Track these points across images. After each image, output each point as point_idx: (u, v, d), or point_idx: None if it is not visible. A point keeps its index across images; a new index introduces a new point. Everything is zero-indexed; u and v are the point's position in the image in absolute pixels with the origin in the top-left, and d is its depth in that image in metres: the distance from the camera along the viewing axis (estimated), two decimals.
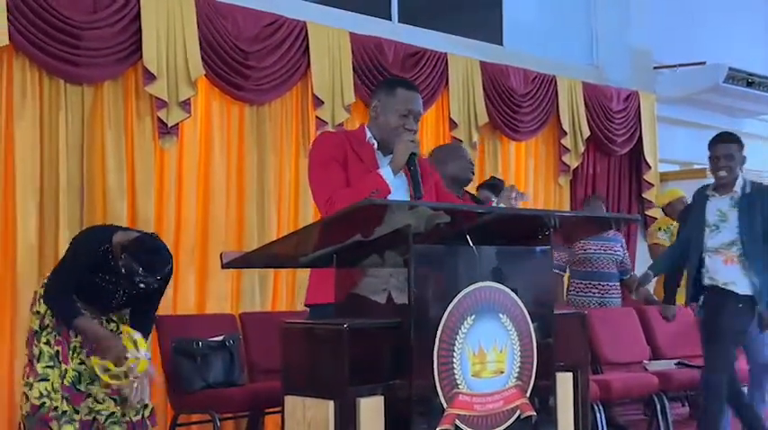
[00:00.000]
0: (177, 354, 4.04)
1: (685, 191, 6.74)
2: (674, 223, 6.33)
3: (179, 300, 4.55)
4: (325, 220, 2.28)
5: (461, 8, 6.80)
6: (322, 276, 2.81)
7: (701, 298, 4.37)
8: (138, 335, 3.35)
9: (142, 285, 3.24)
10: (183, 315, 4.49)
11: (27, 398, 3.33)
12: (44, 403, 3.29)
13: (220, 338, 4.17)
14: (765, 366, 4.64)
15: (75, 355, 3.40)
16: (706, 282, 4.30)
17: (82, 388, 3.37)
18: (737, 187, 4.30)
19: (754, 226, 4.22)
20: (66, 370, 3.36)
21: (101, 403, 3.40)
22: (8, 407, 3.96)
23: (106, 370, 3.31)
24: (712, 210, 4.33)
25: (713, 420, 4.21)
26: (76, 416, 3.33)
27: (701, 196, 4.47)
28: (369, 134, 2.93)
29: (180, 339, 4.07)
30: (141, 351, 3.32)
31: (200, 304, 4.65)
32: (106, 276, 3.33)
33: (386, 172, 2.78)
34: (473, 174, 4.10)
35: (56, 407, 3.29)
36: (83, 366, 3.39)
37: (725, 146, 4.36)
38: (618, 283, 5.67)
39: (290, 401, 2.16)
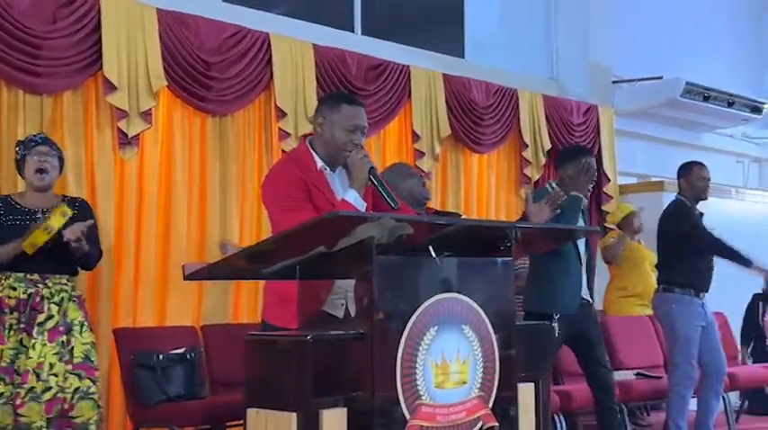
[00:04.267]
0: (137, 367, 4.00)
1: (643, 203, 6.86)
2: (627, 236, 6.44)
3: (139, 312, 4.50)
4: (288, 232, 2.28)
5: (424, 22, 6.85)
6: (281, 298, 2.79)
7: None
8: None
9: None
10: (144, 327, 4.44)
11: None
12: None
13: (181, 351, 4.13)
14: (719, 369, 4.82)
15: (11, 334, 3.42)
16: None
17: (17, 365, 3.39)
18: None
19: None
20: (1, 350, 3.39)
21: (63, 381, 3.43)
22: None
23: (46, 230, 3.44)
24: None
25: None
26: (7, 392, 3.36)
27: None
28: (317, 159, 2.86)
29: (140, 352, 4.03)
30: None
31: (160, 316, 4.60)
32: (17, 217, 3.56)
33: (351, 195, 2.75)
34: (428, 191, 4.01)
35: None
36: (19, 344, 3.42)
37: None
38: None
39: (253, 414, 2.16)
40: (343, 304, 2.72)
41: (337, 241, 2.22)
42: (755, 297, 6.42)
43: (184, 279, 2.74)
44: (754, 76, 9.18)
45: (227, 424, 4.13)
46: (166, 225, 4.68)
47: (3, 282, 3.53)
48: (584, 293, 4.30)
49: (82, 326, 3.58)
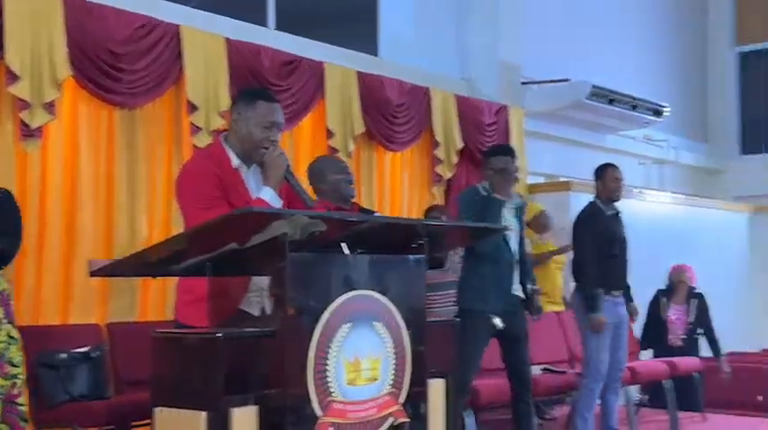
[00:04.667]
0: (40, 366, 3.88)
1: (551, 203, 7.04)
2: (536, 235, 6.61)
3: (42, 309, 4.35)
4: (199, 228, 2.24)
5: (338, 19, 6.85)
6: (196, 296, 2.75)
7: None
8: None
9: None
10: (47, 325, 4.30)
11: None
12: None
13: (86, 349, 4.04)
14: (617, 366, 5.01)
15: None
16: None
17: None
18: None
19: None
20: None
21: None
22: None
23: None
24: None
25: None
26: None
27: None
28: (232, 156, 2.81)
29: (43, 351, 3.91)
30: None
31: (64, 314, 4.47)
32: None
33: (267, 193, 2.71)
34: (353, 189, 3.99)
35: None
36: None
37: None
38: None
39: (160, 413, 2.11)
40: (259, 302, 2.70)
41: (250, 238, 2.20)
42: (659, 292, 6.66)
43: (90, 275, 2.67)
44: (656, 80, 9.53)
45: (133, 424, 4.04)
46: (71, 220, 4.54)
47: None
48: (516, 290, 4.39)
49: (0, 322, 3.47)
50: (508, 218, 4.38)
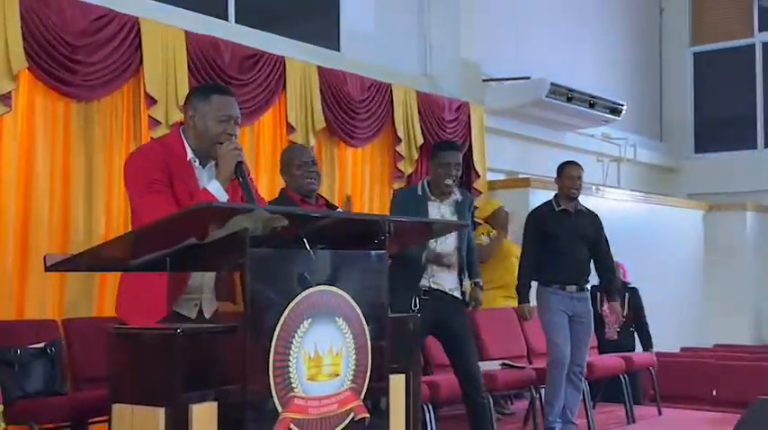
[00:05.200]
0: None
1: (510, 199, 7.08)
2: (494, 230, 6.66)
3: None
4: (157, 223, 2.21)
5: (299, 13, 6.82)
6: (131, 294, 2.74)
7: None
8: None
9: None
10: (1, 320, 4.22)
11: None
12: None
13: (41, 345, 3.97)
14: (576, 360, 5.11)
15: None
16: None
17: None
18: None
19: None
20: None
21: None
22: None
23: None
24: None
25: None
26: None
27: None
28: (189, 151, 2.79)
29: None
30: None
31: (19, 309, 4.39)
32: None
33: (213, 186, 2.69)
34: (314, 183, 3.93)
35: None
36: None
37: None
38: None
39: (118, 410, 2.09)
40: (196, 305, 2.69)
41: (209, 233, 2.18)
42: (594, 288, 6.76)
43: (45, 270, 2.61)
44: (614, 78, 9.65)
45: (91, 420, 3.99)
46: (26, 214, 4.46)
47: None
48: (451, 289, 4.40)
49: None
50: (446, 216, 4.39)
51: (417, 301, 4.28)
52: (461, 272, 4.46)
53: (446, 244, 4.40)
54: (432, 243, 4.34)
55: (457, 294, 4.44)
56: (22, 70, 4.36)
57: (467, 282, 4.51)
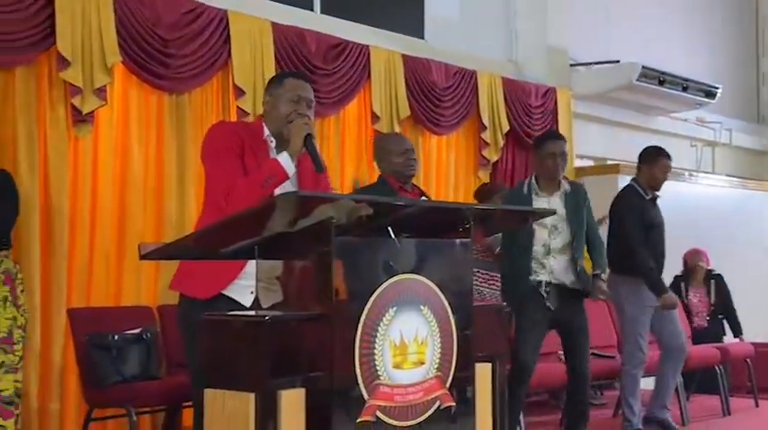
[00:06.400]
0: (92, 348, 3.95)
1: (599, 186, 6.94)
2: None
3: (94, 292, 4.44)
4: (244, 212, 2.26)
5: (383, 2, 6.82)
6: (188, 268, 2.85)
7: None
8: None
9: None
10: (99, 307, 4.38)
11: None
12: None
13: (137, 331, 4.10)
14: (680, 348, 4.99)
15: None
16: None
17: None
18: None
19: None
20: None
21: None
22: None
23: None
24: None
25: None
26: None
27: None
28: (266, 131, 2.89)
29: (95, 332, 3.99)
30: None
31: (116, 296, 4.55)
32: None
33: (283, 157, 2.75)
34: (414, 169, 4.02)
35: None
36: None
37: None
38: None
39: (210, 394, 2.14)
40: (252, 292, 2.72)
41: (297, 222, 2.21)
42: (677, 278, 6.58)
43: (140, 258, 2.71)
44: (708, 61, 9.33)
45: (184, 404, 4.11)
46: (122, 204, 4.61)
47: None
48: (572, 283, 4.33)
49: (5, 301, 3.55)
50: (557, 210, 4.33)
51: (539, 295, 4.26)
52: (578, 264, 4.36)
53: (560, 237, 4.33)
54: (546, 238, 4.29)
55: (576, 287, 4.35)
56: (117, 64, 4.50)
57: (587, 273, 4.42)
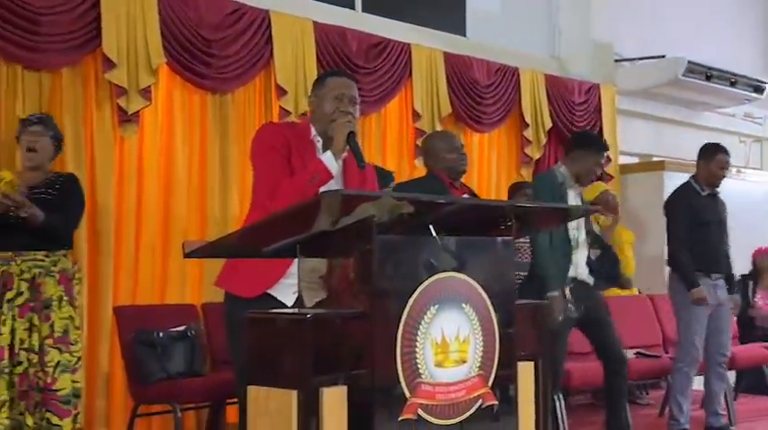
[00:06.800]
0: (137, 345, 4.01)
1: (645, 183, 6.85)
2: (602, 216, 6.42)
3: (139, 289, 4.51)
4: (286, 211, 2.27)
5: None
6: (233, 265, 2.88)
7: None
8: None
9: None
10: (144, 305, 4.45)
11: None
12: None
13: (182, 328, 4.15)
14: (720, 350, 4.90)
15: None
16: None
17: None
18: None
19: None
20: None
21: (41, 355, 3.48)
22: None
23: None
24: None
25: None
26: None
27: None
28: (313, 131, 2.91)
29: (140, 329, 4.04)
30: None
31: (160, 294, 4.61)
32: None
33: (326, 157, 2.77)
34: (466, 165, 4.12)
35: None
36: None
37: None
38: None
39: (253, 391, 2.16)
40: (295, 293, 2.73)
41: (338, 220, 2.21)
42: (744, 277, 6.44)
43: (185, 257, 2.74)
44: (756, 55, 9.15)
45: (228, 400, 4.15)
46: (167, 203, 4.67)
47: None
48: (581, 274, 4.30)
49: (60, 300, 3.58)
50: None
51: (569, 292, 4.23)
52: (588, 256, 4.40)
53: (581, 231, 4.35)
54: (573, 232, 4.28)
55: (588, 281, 4.36)
56: (161, 65, 4.56)
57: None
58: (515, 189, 5.64)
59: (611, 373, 4.39)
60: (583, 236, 4.34)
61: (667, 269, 5.01)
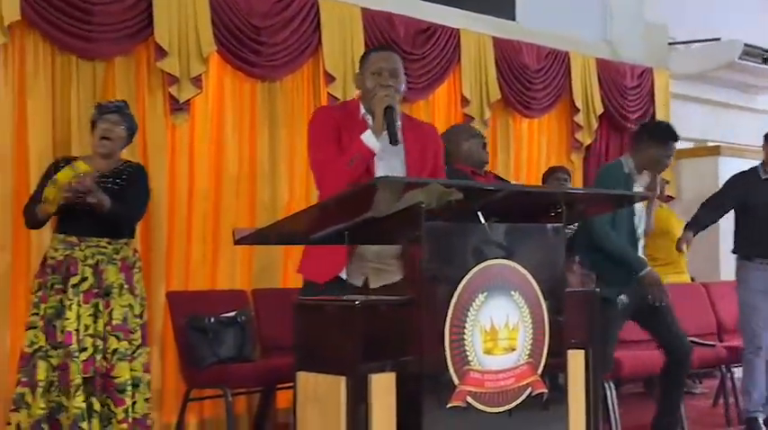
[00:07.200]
0: (190, 330, 4.06)
1: (700, 168, 6.72)
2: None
3: (191, 276, 4.57)
4: (338, 198, 2.28)
5: None
6: (308, 252, 2.88)
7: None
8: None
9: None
10: (195, 291, 4.51)
11: None
12: (35, 350, 3.47)
13: (232, 314, 4.19)
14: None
15: (51, 294, 3.52)
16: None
17: (57, 324, 3.49)
18: None
19: None
20: (44, 308, 3.50)
21: (102, 342, 3.53)
22: None
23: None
24: None
25: None
26: (53, 352, 3.47)
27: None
28: (363, 110, 2.93)
29: (192, 315, 4.09)
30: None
31: (212, 280, 4.67)
32: None
33: (366, 136, 2.76)
34: (487, 154, 4.07)
35: (40, 347, 3.48)
36: (58, 302, 3.52)
37: None
38: None
39: (303, 377, 2.18)
40: (363, 274, 2.73)
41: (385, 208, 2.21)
42: None
43: (235, 243, 2.76)
44: None
45: (278, 386, 4.19)
46: (217, 190, 4.72)
47: (51, 243, 3.64)
48: None
49: (121, 288, 3.60)
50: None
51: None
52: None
53: (642, 224, 4.27)
54: (637, 223, 4.22)
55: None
56: (212, 53, 4.60)
57: None
58: (549, 173, 5.57)
59: (674, 364, 4.31)
60: (642, 228, 4.26)
61: (722, 257, 4.92)
